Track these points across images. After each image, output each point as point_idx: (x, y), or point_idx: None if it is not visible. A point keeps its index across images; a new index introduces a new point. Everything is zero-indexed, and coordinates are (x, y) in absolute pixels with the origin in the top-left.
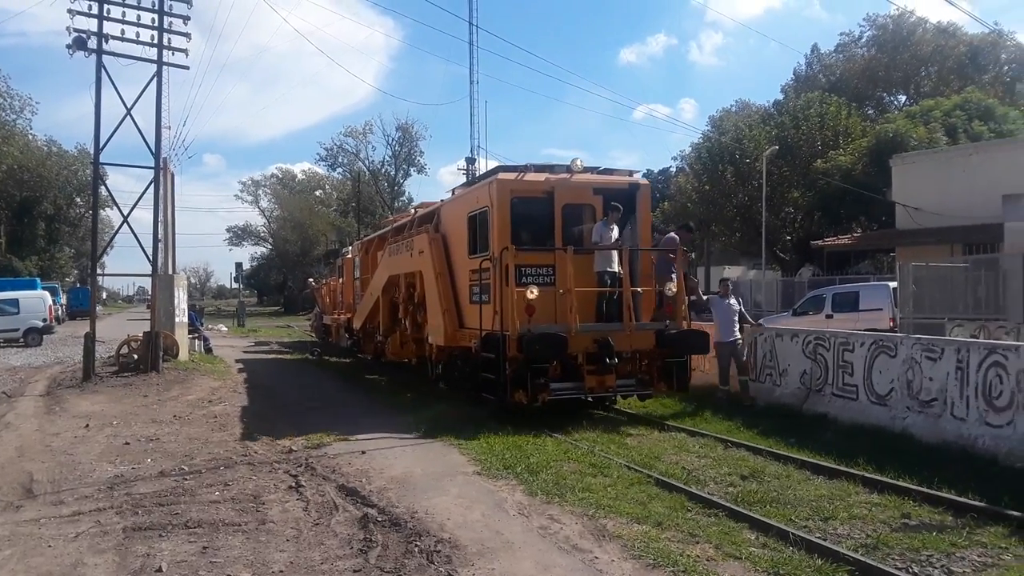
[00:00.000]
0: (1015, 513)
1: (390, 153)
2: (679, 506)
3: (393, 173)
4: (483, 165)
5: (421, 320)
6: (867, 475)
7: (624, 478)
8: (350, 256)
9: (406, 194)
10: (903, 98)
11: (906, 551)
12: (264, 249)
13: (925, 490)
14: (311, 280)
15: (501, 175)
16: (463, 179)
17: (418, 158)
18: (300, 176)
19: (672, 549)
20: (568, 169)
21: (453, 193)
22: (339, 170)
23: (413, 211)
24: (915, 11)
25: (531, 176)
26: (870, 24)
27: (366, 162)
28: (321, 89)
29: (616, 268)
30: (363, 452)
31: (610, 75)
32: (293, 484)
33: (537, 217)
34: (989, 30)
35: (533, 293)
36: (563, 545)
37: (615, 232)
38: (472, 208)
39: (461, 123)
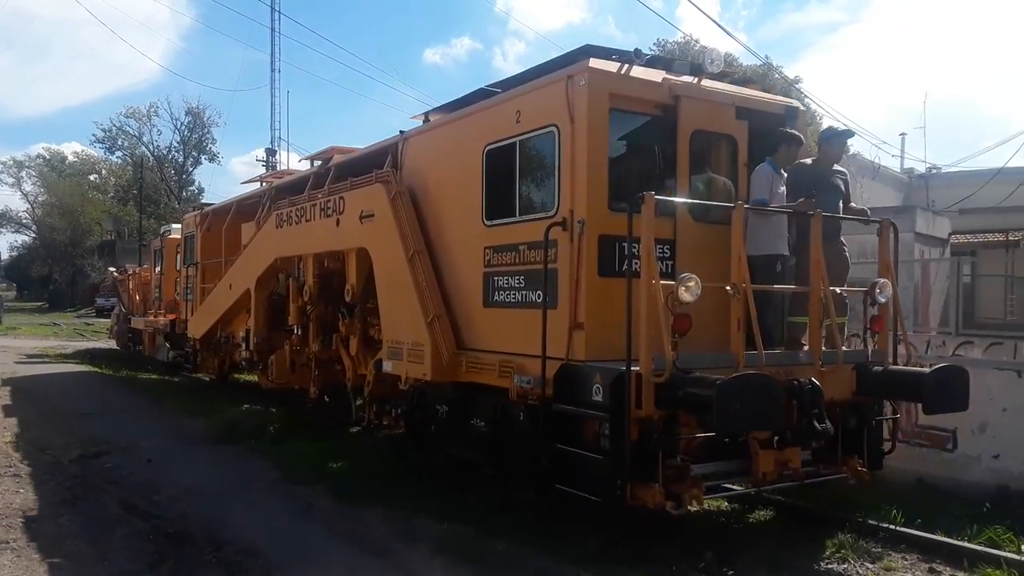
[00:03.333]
0: None
1: (178, 139)
2: (489, 503)
3: (181, 160)
4: (284, 158)
5: (348, 330)
6: None
7: (434, 477)
8: (174, 236)
9: (195, 183)
10: None
11: None
12: (27, 238)
13: None
14: (112, 270)
15: (595, 63)
16: (262, 171)
17: (210, 146)
18: (71, 158)
19: (482, 544)
20: (697, 69)
21: (427, 119)
22: (119, 154)
23: (312, 163)
24: (700, 40)
25: (640, 72)
26: (659, 48)
27: (150, 147)
28: (99, 64)
29: (788, 250)
30: (150, 461)
31: (415, 74)
32: (69, 497)
33: (645, 151)
34: (761, 63)
35: (691, 291)
36: (373, 548)
37: (784, 187)
38: (502, 134)
39: (260, 112)
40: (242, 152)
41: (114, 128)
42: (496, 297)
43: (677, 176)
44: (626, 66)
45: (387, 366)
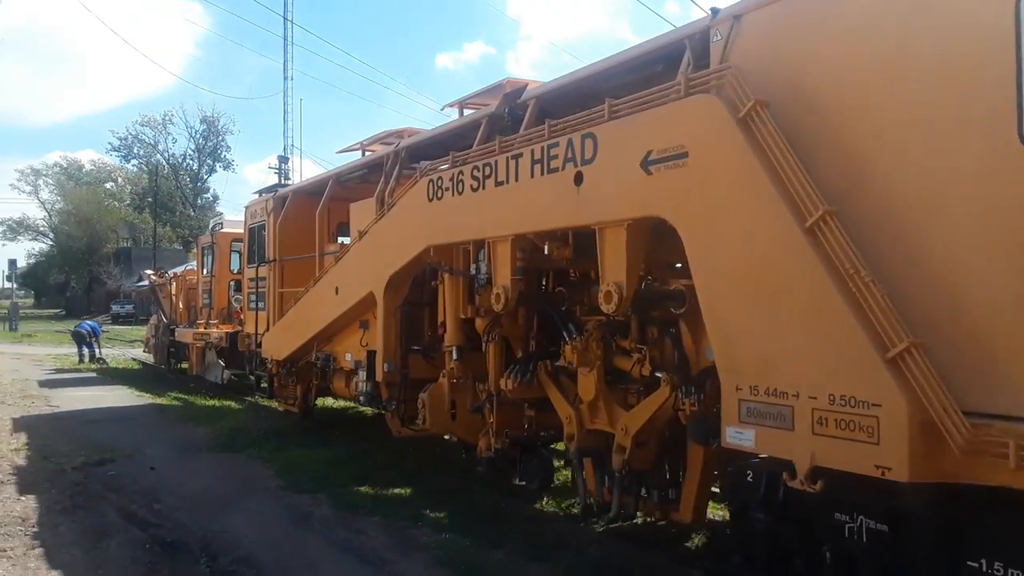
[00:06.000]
0: None
1: (193, 146)
2: (483, 513)
3: (196, 168)
4: (296, 165)
5: (581, 359)
6: None
7: (433, 487)
8: (230, 230)
9: (211, 191)
10: None
11: None
12: (44, 245)
13: None
14: (151, 272)
15: None
16: (274, 179)
17: (224, 153)
18: (88, 166)
19: (478, 555)
20: None
21: None
22: (134, 162)
23: (461, 111)
24: None
25: None
26: None
27: (165, 155)
28: (116, 73)
29: None
30: (152, 468)
31: (428, 80)
32: (69, 505)
33: None
34: None
35: None
36: (369, 558)
37: None
38: None
39: (274, 120)
40: (256, 159)
41: (130, 136)
42: None
43: None
44: None
45: (737, 436)
